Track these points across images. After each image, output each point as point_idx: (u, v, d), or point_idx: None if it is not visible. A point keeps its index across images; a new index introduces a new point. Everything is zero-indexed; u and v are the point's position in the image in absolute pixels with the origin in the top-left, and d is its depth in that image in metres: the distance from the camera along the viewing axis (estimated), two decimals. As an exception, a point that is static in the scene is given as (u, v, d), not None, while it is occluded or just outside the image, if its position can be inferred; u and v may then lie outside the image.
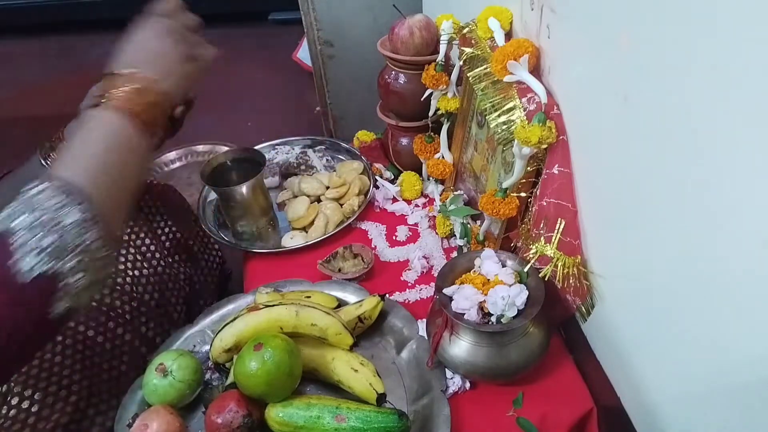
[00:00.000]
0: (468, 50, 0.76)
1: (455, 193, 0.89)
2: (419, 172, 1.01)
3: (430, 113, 0.91)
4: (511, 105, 0.66)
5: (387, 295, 0.76)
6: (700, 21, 0.38)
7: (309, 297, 0.73)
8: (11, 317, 0.43)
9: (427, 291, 0.83)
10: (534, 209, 0.69)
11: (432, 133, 0.94)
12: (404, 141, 1.01)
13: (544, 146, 0.62)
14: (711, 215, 0.41)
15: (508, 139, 0.66)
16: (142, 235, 0.86)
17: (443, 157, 0.93)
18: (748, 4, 0.34)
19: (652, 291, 0.52)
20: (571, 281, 0.63)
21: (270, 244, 0.96)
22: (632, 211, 0.53)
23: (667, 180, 0.46)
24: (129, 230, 0.85)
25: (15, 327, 0.44)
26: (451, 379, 0.68)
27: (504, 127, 0.66)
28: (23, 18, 2.61)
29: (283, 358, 0.60)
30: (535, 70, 0.66)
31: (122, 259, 0.82)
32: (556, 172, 0.63)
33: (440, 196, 0.95)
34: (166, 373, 0.64)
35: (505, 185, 0.70)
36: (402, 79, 0.92)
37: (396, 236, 0.93)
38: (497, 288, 0.63)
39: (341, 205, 0.97)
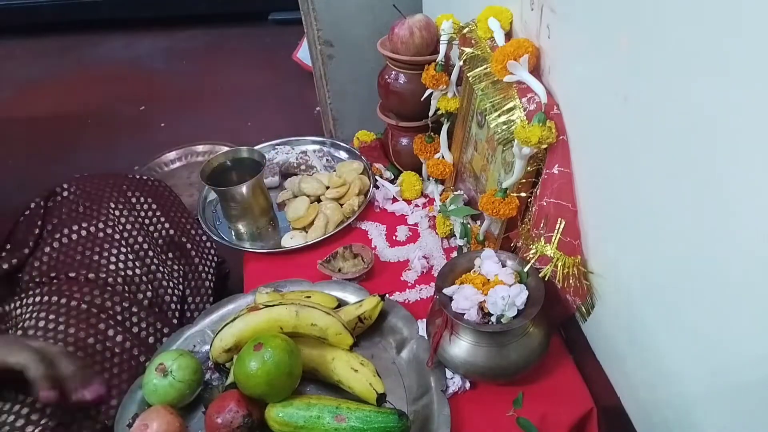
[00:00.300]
0: (468, 50, 0.76)
1: (455, 193, 0.89)
2: (419, 172, 1.01)
3: (430, 113, 0.91)
4: (511, 105, 0.66)
5: (387, 295, 0.76)
6: (700, 21, 0.38)
7: (309, 297, 0.73)
8: None
9: (427, 291, 0.83)
10: (534, 209, 0.69)
11: (432, 133, 0.94)
12: (404, 141, 1.01)
13: (544, 146, 0.62)
14: (711, 215, 0.41)
15: (508, 139, 0.66)
16: (134, 233, 0.86)
17: (443, 157, 0.93)
18: (747, 4, 0.34)
19: (653, 291, 0.52)
20: (571, 281, 0.63)
21: (270, 244, 0.96)
22: (632, 211, 0.53)
23: (667, 180, 0.46)
24: (121, 228, 0.85)
25: None
26: (451, 379, 0.68)
27: (504, 127, 0.66)
28: (23, 18, 2.61)
29: (283, 358, 0.60)
30: (535, 70, 0.66)
31: (113, 259, 0.82)
32: (556, 172, 0.63)
33: (440, 196, 0.95)
34: (166, 373, 0.64)
35: (505, 185, 0.70)
36: (402, 79, 0.92)
37: (396, 236, 0.93)
38: (497, 288, 0.63)
39: (341, 205, 0.97)
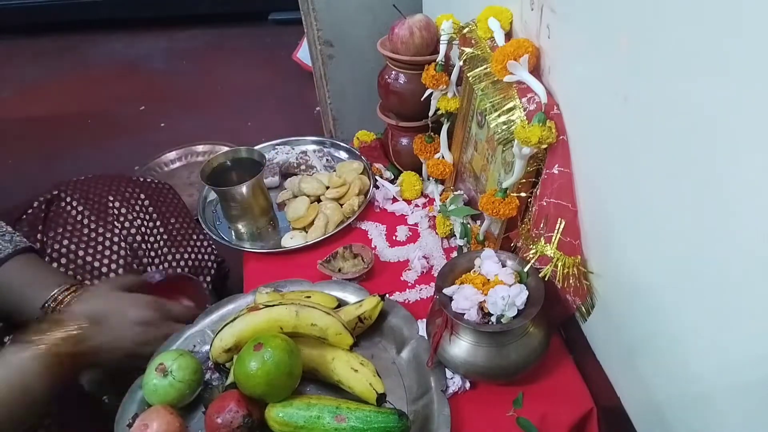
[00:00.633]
0: (468, 50, 0.76)
1: (455, 193, 0.89)
2: (419, 172, 1.01)
3: (430, 113, 0.91)
4: (511, 105, 0.66)
5: (387, 295, 0.76)
6: (700, 21, 0.38)
7: (309, 297, 0.73)
8: None
9: (427, 291, 0.83)
10: (534, 209, 0.69)
11: (432, 133, 0.94)
12: (404, 141, 1.01)
13: (544, 146, 0.62)
14: (711, 215, 0.41)
15: (508, 139, 0.66)
16: (138, 237, 0.87)
17: (443, 157, 0.93)
18: (747, 4, 0.34)
19: (652, 291, 0.52)
20: (571, 281, 0.63)
21: (270, 244, 0.96)
22: (632, 211, 0.53)
23: (667, 180, 0.46)
24: (126, 233, 0.86)
25: None
26: (451, 379, 0.68)
27: (504, 127, 0.66)
28: (23, 18, 2.61)
29: (282, 358, 0.60)
30: (535, 70, 0.66)
31: (114, 257, 0.82)
32: (556, 172, 0.63)
33: (440, 196, 0.95)
34: (166, 373, 0.64)
35: (505, 185, 0.70)
36: (402, 79, 0.92)
37: (396, 236, 0.93)
38: (497, 288, 0.63)
39: (341, 205, 0.97)
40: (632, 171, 0.51)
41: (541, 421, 0.65)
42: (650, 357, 0.55)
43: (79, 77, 2.34)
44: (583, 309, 0.66)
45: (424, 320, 0.72)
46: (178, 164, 1.70)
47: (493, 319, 0.63)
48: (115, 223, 0.86)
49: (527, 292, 0.63)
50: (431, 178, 0.96)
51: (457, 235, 0.85)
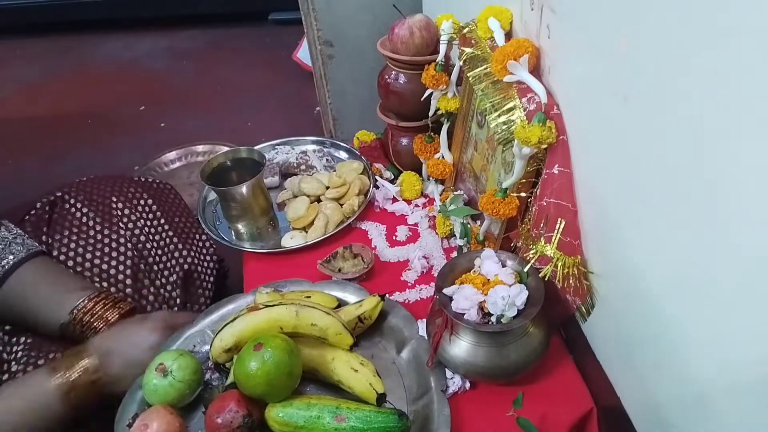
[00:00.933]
0: (468, 50, 0.76)
1: (455, 193, 0.89)
2: (419, 172, 1.01)
3: (430, 113, 0.91)
4: (511, 105, 0.66)
5: (387, 295, 0.76)
6: (700, 21, 0.38)
7: (309, 297, 0.73)
8: None
9: (427, 291, 0.83)
10: (534, 209, 0.69)
11: (432, 133, 0.94)
12: (404, 141, 1.01)
13: (544, 146, 0.62)
14: (711, 215, 0.41)
15: (508, 139, 0.66)
16: (142, 238, 0.87)
17: (443, 157, 0.93)
18: (747, 4, 0.34)
19: (653, 291, 0.52)
20: (571, 281, 0.63)
21: (270, 244, 0.96)
22: (632, 211, 0.53)
23: (667, 180, 0.46)
24: (130, 234, 0.86)
25: None
26: (451, 379, 0.68)
27: (504, 127, 0.66)
28: (23, 18, 2.61)
29: (282, 358, 0.60)
30: (535, 70, 0.66)
31: (121, 258, 0.83)
32: (556, 172, 0.63)
33: (440, 196, 0.95)
34: (166, 373, 0.64)
35: (505, 185, 0.70)
36: (402, 79, 0.92)
37: (396, 236, 0.93)
38: (497, 288, 0.63)
39: (341, 205, 0.97)
40: (632, 171, 0.51)
41: (541, 421, 0.65)
42: (650, 357, 0.55)
43: (79, 77, 2.34)
44: (583, 309, 0.66)
45: (424, 320, 0.72)
46: (178, 164, 1.70)
47: (493, 319, 0.63)
48: (120, 224, 0.86)
49: (527, 292, 0.63)
50: (431, 178, 0.96)
51: (457, 235, 0.85)
